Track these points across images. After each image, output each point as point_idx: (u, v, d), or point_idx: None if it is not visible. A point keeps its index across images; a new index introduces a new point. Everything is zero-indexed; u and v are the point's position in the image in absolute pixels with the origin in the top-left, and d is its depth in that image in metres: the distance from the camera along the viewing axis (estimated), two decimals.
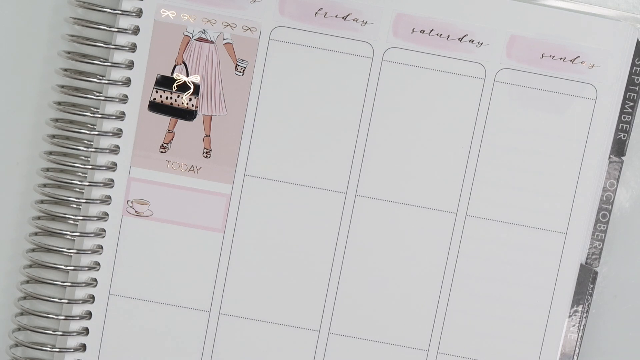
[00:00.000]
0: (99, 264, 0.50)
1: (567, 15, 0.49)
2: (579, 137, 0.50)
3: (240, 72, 0.49)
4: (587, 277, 0.50)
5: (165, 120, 0.50)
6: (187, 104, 0.50)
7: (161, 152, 0.50)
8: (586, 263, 0.50)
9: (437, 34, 0.49)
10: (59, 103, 0.50)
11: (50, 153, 0.50)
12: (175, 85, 0.49)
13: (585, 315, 0.50)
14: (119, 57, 0.49)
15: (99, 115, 0.50)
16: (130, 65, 0.49)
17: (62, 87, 0.50)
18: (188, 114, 0.50)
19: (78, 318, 0.50)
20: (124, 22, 0.49)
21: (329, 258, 0.50)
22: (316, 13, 0.49)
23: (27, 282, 0.51)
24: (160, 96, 0.49)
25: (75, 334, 0.50)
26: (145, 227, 0.50)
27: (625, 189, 0.52)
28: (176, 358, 0.51)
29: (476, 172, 0.50)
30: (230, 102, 0.50)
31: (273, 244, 0.50)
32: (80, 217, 0.50)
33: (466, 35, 0.49)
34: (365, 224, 0.50)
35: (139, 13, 0.49)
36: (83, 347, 0.51)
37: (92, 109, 0.50)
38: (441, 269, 0.50)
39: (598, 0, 0.51)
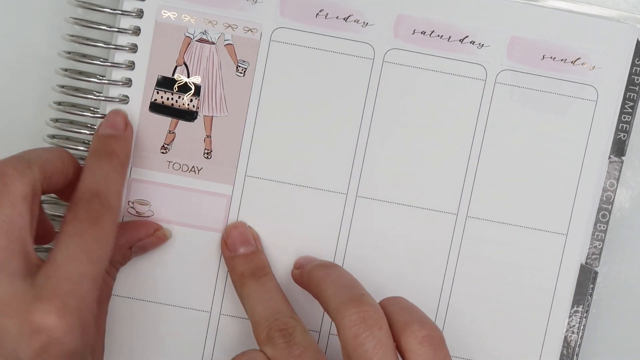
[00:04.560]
0: None
1: (567, 17, 0.49)
2: (580, 139, 0.50)
3: (241, 73, 0.49)
4: (587, 277, 0.50)
5: (166, 121, 0.50)
6: (188, 104, 0.49)
7: (162, 152, 0.50)
8: (586, 263, 0.50)
9: (438, 35, 0.49)
10: (59, 103, 0.50)
11: None
12: (176, 86, 0.49)
13: (585, 315, 0.50)
14: (120, 57, 0.49)
15: (99, 116, 0.49)
16: (130, 65, 0.49)
17: (62, 87, 0.50)
18: (189, 115, 0.50)
19: None
20: (125, 23, 0.49)
21: (329, 259, 0.50)
22: (317, 14, 0.49)
23: None
24: (161, 97, 0.49)
25: None
26: None
27: (625, 189, 0.52)
28: (176, 358, 0.51)
29: (477, 173, 0.50)
30: (231, 103, 0.50)
31: (273, 245, 0.50)
32: None
33: (467, 36, 0.49)
34: (366, 225, 0.50)
35: (139, 14, 0.49)
36: None
37: (92, 109, 0.50)
38: (442, 270, 0.50)
39: (598, 1, 0.51)
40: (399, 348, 0.43)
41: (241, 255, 0.49)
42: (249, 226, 0.50)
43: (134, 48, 0.49)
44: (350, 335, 0.43)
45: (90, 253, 0.42)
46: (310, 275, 0.47)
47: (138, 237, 0.49)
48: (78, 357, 0.41)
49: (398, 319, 0.44)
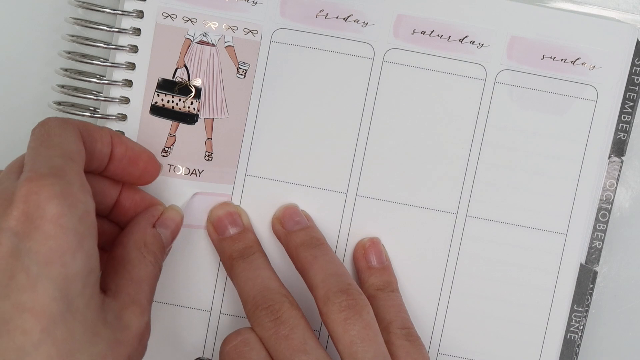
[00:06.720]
0: None
1: (567, 17, 0.49)
2: (580, 139, 0.50)
3: (241, 74, 0.49)
4: (587, 277, 0.50)
5: (166, 124, 0.49)
6: (189, 107, 0.49)
7: (163, 155, 0.50)
8: (586, 263, 0.51)
9: (438, 35, 0.49)
10: (59, 103, 0.50)
11: None
12: (176, 88, 0.49)
13: (585, 315, 0.50)
14: (120, 58, 0.49)
15: (99, 116, 0.49)
16: (131, 66, 0.49)
17: (62, 87, 0.50)
18: (190, 118, 0.49)
19: None
20: (125, 23, 0.49)
21: None
22: (317, 14, 0.49)
23: None
24: (162, 100, 0.49)
25: None
26: None
27: (625, 189, 0.52)
28: (176, 358, 0.51)
29: (476, 172, 0.50)
30: (232, 104, 0.50)
31: (274, 244, 0.50)
32: None
33: (467, 36, 0.49)
34: (366, 225, 0.50)
35: (140, 14, 0.49)
36: None
37: (91, 109, 0.50)
38: (441, 270, 0.50)
39: (598, 1, 0.51)
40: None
41: (229, 237, 0.49)
42: (236, 205, 0.50)
43: (134, 49, 0.49)
44: (340, 319, 0.44)
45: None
46: (298, 254, 0.47)
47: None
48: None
49: (383, 317, 0.47)
